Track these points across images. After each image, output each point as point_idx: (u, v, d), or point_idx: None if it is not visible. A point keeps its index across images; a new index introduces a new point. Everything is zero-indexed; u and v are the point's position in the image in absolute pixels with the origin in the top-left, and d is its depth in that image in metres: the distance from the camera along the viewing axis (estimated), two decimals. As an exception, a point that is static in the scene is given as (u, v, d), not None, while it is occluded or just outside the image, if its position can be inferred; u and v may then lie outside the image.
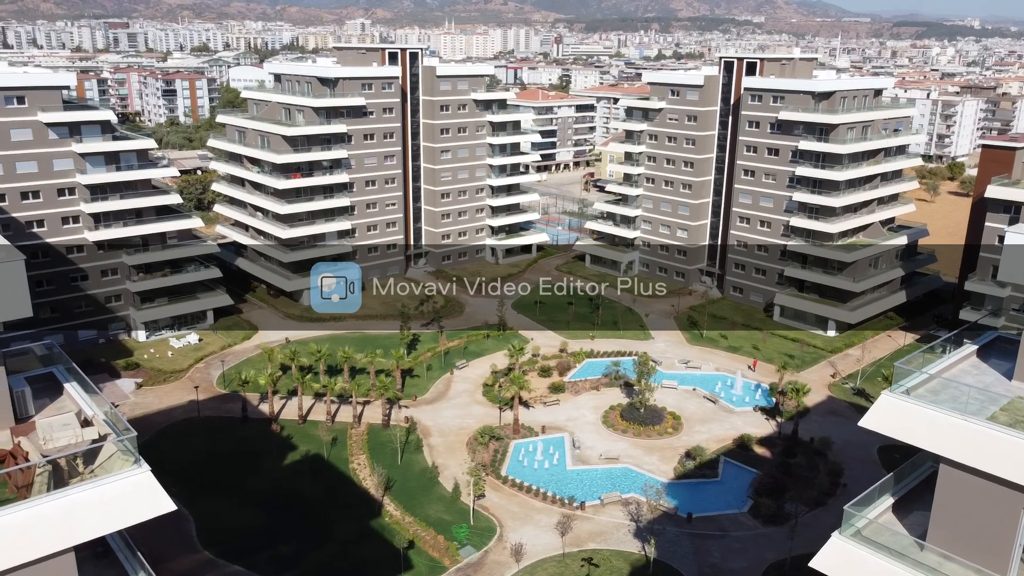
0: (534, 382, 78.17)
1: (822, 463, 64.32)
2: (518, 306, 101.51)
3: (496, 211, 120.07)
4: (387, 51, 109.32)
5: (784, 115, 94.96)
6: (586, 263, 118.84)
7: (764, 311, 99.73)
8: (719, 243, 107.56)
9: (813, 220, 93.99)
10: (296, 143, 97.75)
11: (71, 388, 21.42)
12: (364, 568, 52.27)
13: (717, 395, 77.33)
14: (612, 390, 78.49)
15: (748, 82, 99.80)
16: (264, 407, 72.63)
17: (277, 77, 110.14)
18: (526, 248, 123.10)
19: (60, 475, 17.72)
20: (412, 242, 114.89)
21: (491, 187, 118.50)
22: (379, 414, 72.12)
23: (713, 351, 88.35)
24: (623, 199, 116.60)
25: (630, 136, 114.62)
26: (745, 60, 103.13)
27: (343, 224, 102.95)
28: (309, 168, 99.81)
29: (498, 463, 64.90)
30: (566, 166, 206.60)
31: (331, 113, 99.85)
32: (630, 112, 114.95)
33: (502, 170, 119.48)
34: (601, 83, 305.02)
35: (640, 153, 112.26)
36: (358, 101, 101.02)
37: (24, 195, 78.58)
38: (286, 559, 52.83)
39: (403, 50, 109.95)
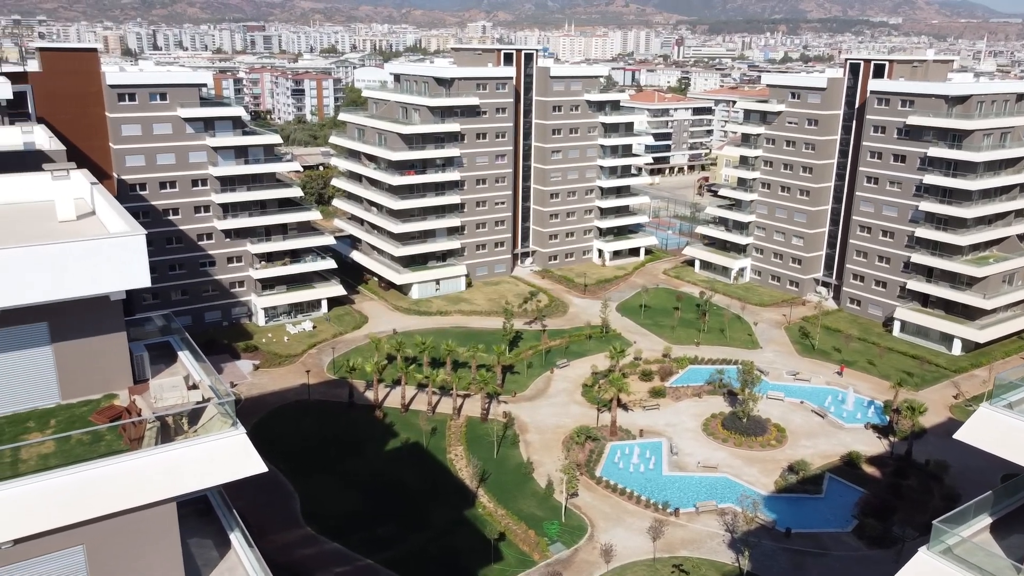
0: (634, 385, 77.52)
1: (936, 487, 60.67)
2: (622, 309, 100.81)
3: (605, 213, 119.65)
4: (502, 52, 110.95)
5: (913, 120, 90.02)
6: (695, 268, 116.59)
7: (883, 325, 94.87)
8: (837, 252, 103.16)
9: (941, 231, 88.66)
10: (411, 141, 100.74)
11: (183, 356, 23.27)
12: (456, 556, 53.38)
13: (826, 409, 74.25)
14: (715, 398, 76.75)
15: (875, 85, 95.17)
16: (369, 394, 75.29)
17: (397, 77, 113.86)
18: (634, 251, 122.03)
19: (167, 432, 19.31)
20: (519, 241, 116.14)
21: (601, 188, 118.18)
22: (478, 408, 73.36)
23: (825, 364, 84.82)
24: (736, 204, 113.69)
25: (746, 140, 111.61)
26: (872, 62, 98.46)
27: (453, 221, 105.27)
28: (423, 165, 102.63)
29: (593, 463, 64.76)
30: (680, 169, 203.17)
31: (446, 112, 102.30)
32: (747, 115, 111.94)
33: (612, 172, 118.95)
34: (721, 86, 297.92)
35: (756, 157, 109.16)
36: (472, 101, 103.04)
37: (162, 185, 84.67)
38: (382, 541, 54.64)
39: (518, 51, 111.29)
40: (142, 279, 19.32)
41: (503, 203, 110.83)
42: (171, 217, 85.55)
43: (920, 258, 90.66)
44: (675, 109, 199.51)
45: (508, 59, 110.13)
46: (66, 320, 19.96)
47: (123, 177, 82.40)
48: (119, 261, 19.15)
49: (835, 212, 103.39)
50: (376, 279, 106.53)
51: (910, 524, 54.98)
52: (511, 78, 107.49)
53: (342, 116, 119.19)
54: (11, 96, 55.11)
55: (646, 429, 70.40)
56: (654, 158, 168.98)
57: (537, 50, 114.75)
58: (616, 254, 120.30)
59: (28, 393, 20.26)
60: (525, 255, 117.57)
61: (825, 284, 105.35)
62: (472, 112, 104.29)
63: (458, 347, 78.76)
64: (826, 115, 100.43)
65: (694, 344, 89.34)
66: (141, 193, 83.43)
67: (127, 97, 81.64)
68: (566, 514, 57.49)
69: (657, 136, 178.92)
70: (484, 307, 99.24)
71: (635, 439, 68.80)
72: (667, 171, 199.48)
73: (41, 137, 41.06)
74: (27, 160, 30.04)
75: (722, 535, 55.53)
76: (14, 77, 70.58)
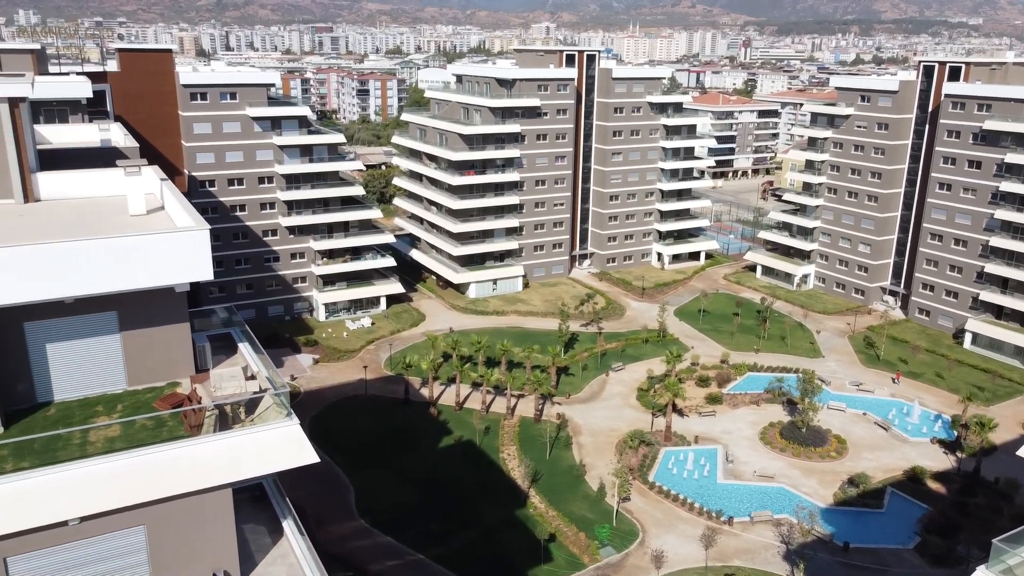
0: (690, 391, 76.57)
1: (1006, 506, 58.29)
2: (680, 313, 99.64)
3: (665, 216, 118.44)
4: (564, 53, 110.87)
5: (990, 124, 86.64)
6: (757, 274, 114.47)
7: (953, 337, 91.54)
8: (905, 261, 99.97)
9: (1019, 241, 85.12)
10: (472, 141, 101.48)
11: (243, 347, 24.00)
12: (506, 554, 53.60)
13: (890, 422, 72.04)
14: (773, 406, 75.23)
15: (950, 88, 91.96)
16: (425, 391, 76.13)
17: (459, 78, 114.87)
18: (694, 255, 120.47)
19: (225, 420, 19.95)
20: (578, 242, 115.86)
21: (661, 191, 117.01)
22: (532, 408, 73.47)
23: (890, 376, 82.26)
24: (801, 209, 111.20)
25: (813, 144, 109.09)
26: (948, 64, 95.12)
27: (511, 221, 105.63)
28: (483, 166, 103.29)
29: (646, 468, 64.19)
30: (744, 173, 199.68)
31: (507, 113, 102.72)
32: (814, 118, 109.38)
33: (674, 174, 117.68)
34: (789, 88, 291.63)
35: (823, 162, 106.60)
36: (533, 102, 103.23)
37: (230, 181, 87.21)
38: (434, 536, 55.21)
39: (580, 52, 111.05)
40: (205, 272, 20.00)
41: (562, 204, 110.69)
42: (238, 213, 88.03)
43: (995, 268, 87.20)
44: (740, 112, 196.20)
45: (570, 60, 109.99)
46: (134, 310, 20.79)
47: (194, 174, 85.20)
48: (184, 254, 19.87)
49: (904, 219, 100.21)
50: (434, 278, 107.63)
51: (976, 544, 52.95)
52: (572, 79, 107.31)
53: (404, 116, 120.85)
54: (91, 95, 57.44)
55: (701, 436, 69.44)
56: (717, 161, 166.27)
57: (599, 51, 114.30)
58: (675, 258, 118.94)
59: (98, 379, 21.17)
60: (583, 257, 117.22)
61: (892, 293, 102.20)
62: (533, 113, 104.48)
63: (513, 347, 79.01)
64: (897, 119, 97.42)
65: (753, 351, 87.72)
66: (210, 189, 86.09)
67: (199, 96, 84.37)
68: (617, 518, 57.14)
69: (720, 139, 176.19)
70: (540, 308, 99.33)
71: (690, 445, 67.94)
72: (730, 175, 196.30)
73: (117, 134, 42.74)
74: (103, 156, 31.33)
75: (777, 546, 54.44)
76: (94, 77, 73.53)
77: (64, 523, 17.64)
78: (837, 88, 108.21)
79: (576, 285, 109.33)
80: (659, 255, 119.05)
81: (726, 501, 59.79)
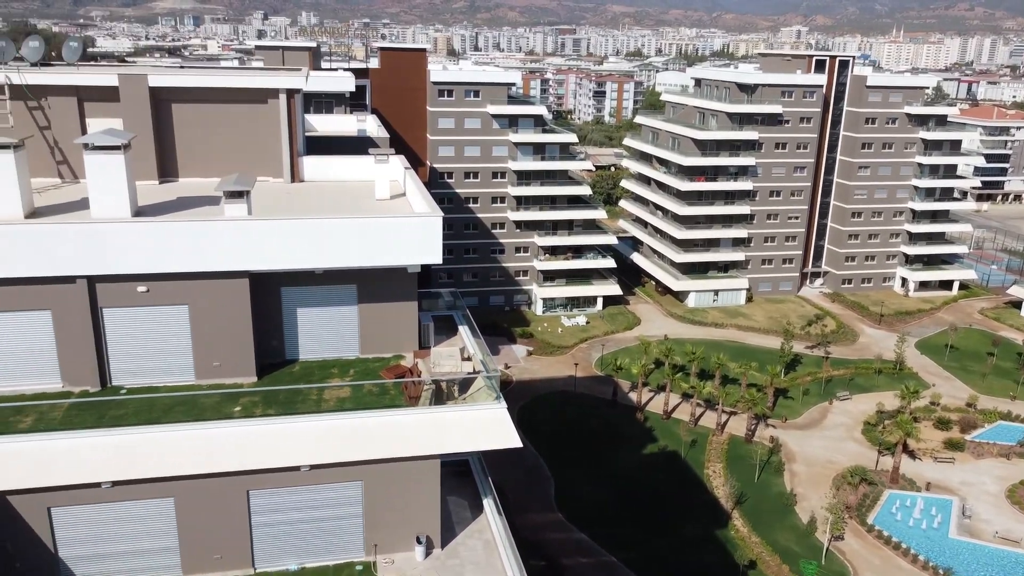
0: (926, 432, 69.44)
1: None
2: (923, 346, 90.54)
3: (914, 238, 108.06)
4: (814, 58, 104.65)
5: None
6: (1021, 311, 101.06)
7: None
8: None
9: None
10: (705, 147, 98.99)
11: (462, 330, 25.49)
12: (700, 572, 51.97)
13: None
14: (1027, 462, 66.22)
15: None
16: (633, 395, 75.65)
17: (697, 82, 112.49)
18: (945, 284, 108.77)
19: (440, 396, 21.23)
20: (811, 259, 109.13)
21: (912, 211, 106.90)
22: (743, 427, 70.47)
23: None
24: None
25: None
26: None
27: (740, 232, 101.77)
28: (714, 172, 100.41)
29: (866, 509, 59.18)
30: (1016, 197, 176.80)
31: (744, 119, 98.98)
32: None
33: (929, 194, 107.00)
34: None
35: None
36: (774, 108, 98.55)
37: (467, 175, 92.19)
38: (628, 541, 54.81)
39: (832, 57, 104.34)
40: (435, 256, 21.41)
41: (797, 218, 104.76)
42: (471, 205, 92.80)
43: None
44: (1017, 128, 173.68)
45: (820, 66, 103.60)
46: (371, 285, 22.75)
47: (435, 165, 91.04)
48: (419, 238, 21.42)
49: None
50: (653, 283, 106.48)
51: None
52: (820, 86, 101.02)
53: (638, 119, 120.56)
54: (353, 89, 63.50)
55: (935, 483, 62.72)
56: (983, 182, 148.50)
57: (854, 57, 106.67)
58: (923, 285, 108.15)
59: (335, 344, 23.42)
60: (815, 275, 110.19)
61: None
62: (773, 120, 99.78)
63: (729, 362, 76.18)
64: None
65: (1008, 397, 77.68)
66: (448, 181, 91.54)
67: (446, 93, 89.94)
68: (827, 557, 53.27)
69: (990, 157, 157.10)
70: (763, 324, 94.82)
71: (919, 491, 61.64)
72: (999, 198, 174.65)
73: (371, 125, 46.85)
74: (359, 145, 34.47)
75: (1017, 621, 47.91)
76: (358, 72, 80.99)
77: (296, 468, 19.72)
78: None
79: (804, 304, 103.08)
80: (903, 280, 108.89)
81: (958, 560, 53.53)
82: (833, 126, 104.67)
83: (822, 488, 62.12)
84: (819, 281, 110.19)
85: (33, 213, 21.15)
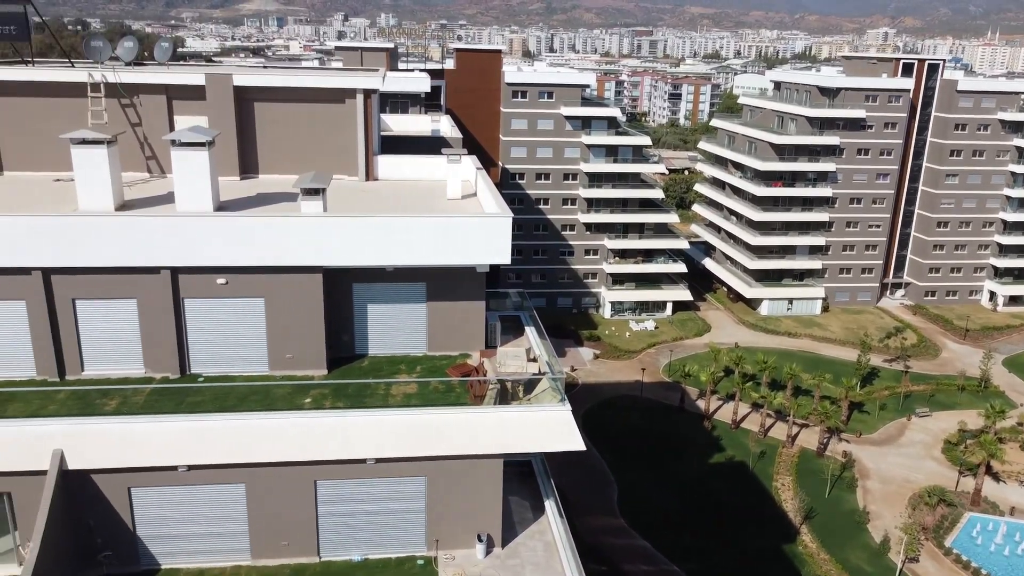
0: (1012, 454, 66.13)
1: None
2: (1011, 363, 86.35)
3: (1005, 250, 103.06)
4: (901, 62, 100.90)
5: None
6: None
7: None
8: None
9: None
10: (783, 152, 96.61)
11: (529, 331, 25.53)
12: (765, 588, 50.79)
13: None
14: (1124, 491, 62.37)
15: None
16: (701, 403, 74.40)
17: (777, 85, 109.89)
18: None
19: (505, 395, 21.30)
20: (892, 269, 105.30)
21: (1004, 222, 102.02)
22: (815, 440, 68.50)
23: None
24: None
25: None
26: None
27: (817, 239, 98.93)
28: (792, 178, 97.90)
29: (943, 531, 56.79)
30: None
31: (825, 124, 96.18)
32: None
33: (1022, 204, 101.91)
34: None
35: None
36: (857, 113, 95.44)
37: (538, 176, 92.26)
38: (690, 550, 53.94)
39: (920, 61, 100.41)
40: (503, 257, 21.50)
41: (878, 226, 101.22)
42: (541, 206, 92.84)
43: None
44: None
45: (907, 70, 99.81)
46: (440, 283, 23.01)
47: (507, 166, 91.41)
48: (487, 238, 21.55)
49: None
50: (725, 289, 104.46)
51: None
52: (907, 91, 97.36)
53: (714, 122, 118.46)
54: (428, 90, 64.36)
55: (1019, 508, 59.70)
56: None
57: (944, 60, 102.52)
58: (1013, 299, 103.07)
59: (404, 341, 23.77)
60: (896, 286, 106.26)
61: None
62: (856, 125, 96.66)
63: (802, 372, 74.13)
64: None
65: (1104, 421, 73.35)
66: (519, 182, 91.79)
67: (520, 94, 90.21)
68: (900, 578, 51.38)
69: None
70: (839, 335, 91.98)
71: (1003, 516, 58.81)
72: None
73: (445, 126, 47.36)
74: (432, 145, 34.93)
75: (1107, 658, 45.19)
76: (434, 73, 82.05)
77: (363, 461, 20.10)
78: None
79: (884, 316, 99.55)
80: (991, 294, 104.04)
81: (1043, 589, 50.90)
82: (920, 132, 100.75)
83: (897, 507, 59.89)
84: (900, 292, 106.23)
85: (123, 206, 22.15)
